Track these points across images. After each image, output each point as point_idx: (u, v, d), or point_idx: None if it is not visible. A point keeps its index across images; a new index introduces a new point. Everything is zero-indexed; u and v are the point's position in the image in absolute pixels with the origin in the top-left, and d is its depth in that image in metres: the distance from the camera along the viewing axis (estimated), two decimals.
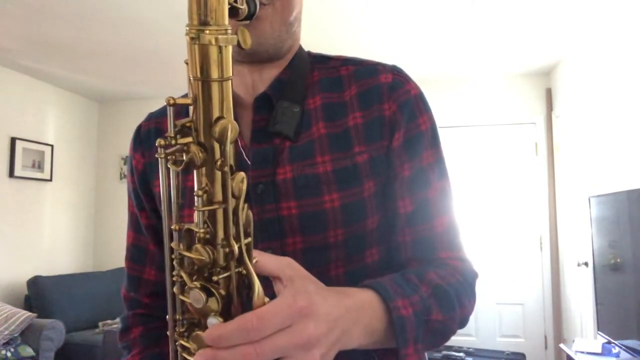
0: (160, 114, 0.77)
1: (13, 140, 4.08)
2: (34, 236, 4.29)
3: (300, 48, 0.73)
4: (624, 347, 2.34)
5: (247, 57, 0.67)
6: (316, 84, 0.70)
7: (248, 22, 0.56)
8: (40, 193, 4.38)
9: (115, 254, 4.82)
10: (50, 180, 4.47)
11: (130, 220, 0.78)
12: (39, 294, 3.91)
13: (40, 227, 4.37)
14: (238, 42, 0.42)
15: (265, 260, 0.47)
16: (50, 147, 4.46)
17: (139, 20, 3.13)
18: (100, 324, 4.01)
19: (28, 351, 3.40)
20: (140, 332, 0.74)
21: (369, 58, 0.74)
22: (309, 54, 0.74)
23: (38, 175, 4.33)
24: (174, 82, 4.35)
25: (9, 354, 3.30)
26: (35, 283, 3.94)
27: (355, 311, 0.50)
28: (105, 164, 5.06)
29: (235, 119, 0.67)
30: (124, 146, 4.80)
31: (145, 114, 0.80)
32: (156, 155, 0.43)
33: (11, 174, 4.06)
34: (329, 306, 0.47)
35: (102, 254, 4.94)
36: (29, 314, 3.55)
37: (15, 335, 3.41)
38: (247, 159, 0.65)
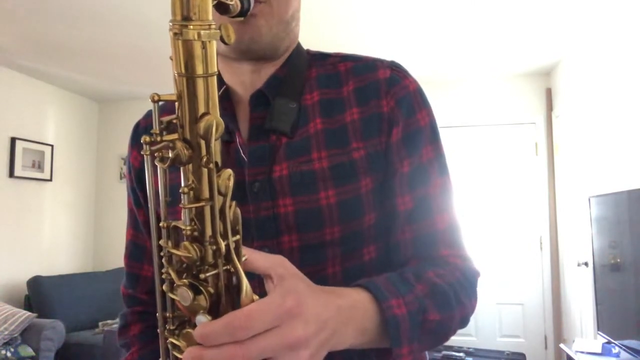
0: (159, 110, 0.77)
1: (13, 140, 4.08)
2: (34, 236, 4.29)
3: (299, 46, 0.73)
4: (624, 347, 2.33)
5: (244, 55, 0.66)
6: (314, 80, 0.70)
7: (242, 19, 0.55)
8: (40, 193, 4.38)
9: (115, 254, 4.82)
10: (50, 180, 4.47)
11: (129, 217, 0.78)
12: (39, 294, 3.91)
13: (40, 227, 4.37)
14: (221, 37, 0.42)
15: (255, 258, 0.46)
16: (50, 147, 4.46)
17: (138, 20, 3.13)
18: (100, 324, 4.00)
19: (28, 351, 3.40)
20: (139, 329, 0.74)
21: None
22: (308, 51, 0.74)
23: (38, 175, 4.33)
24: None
25: (9, 354, 3.30)
26: (35, 283, 3.94)
27: (347, 311, 0.49)
28: (105, 164, 5.06)
29: (235, 116, 0.68)
30: (124, 146, 4.79)
31: None
32: (142, 152, 0.43)
33: (11, 174, 4.06)
34: (319, 306, 0.46)
35: (102, 254, 4.94)
36: (29, 314, 3.54)
37: (15, 335, 3.40)
38: (244, 156, 0.65)
